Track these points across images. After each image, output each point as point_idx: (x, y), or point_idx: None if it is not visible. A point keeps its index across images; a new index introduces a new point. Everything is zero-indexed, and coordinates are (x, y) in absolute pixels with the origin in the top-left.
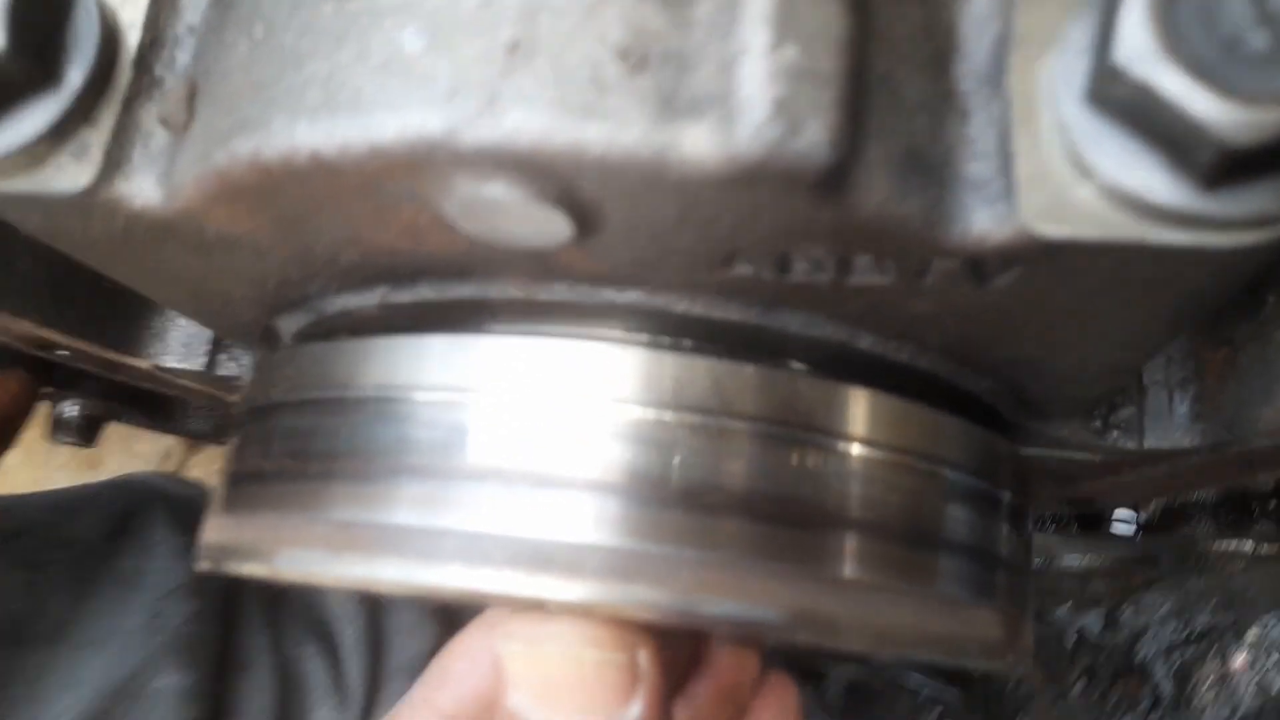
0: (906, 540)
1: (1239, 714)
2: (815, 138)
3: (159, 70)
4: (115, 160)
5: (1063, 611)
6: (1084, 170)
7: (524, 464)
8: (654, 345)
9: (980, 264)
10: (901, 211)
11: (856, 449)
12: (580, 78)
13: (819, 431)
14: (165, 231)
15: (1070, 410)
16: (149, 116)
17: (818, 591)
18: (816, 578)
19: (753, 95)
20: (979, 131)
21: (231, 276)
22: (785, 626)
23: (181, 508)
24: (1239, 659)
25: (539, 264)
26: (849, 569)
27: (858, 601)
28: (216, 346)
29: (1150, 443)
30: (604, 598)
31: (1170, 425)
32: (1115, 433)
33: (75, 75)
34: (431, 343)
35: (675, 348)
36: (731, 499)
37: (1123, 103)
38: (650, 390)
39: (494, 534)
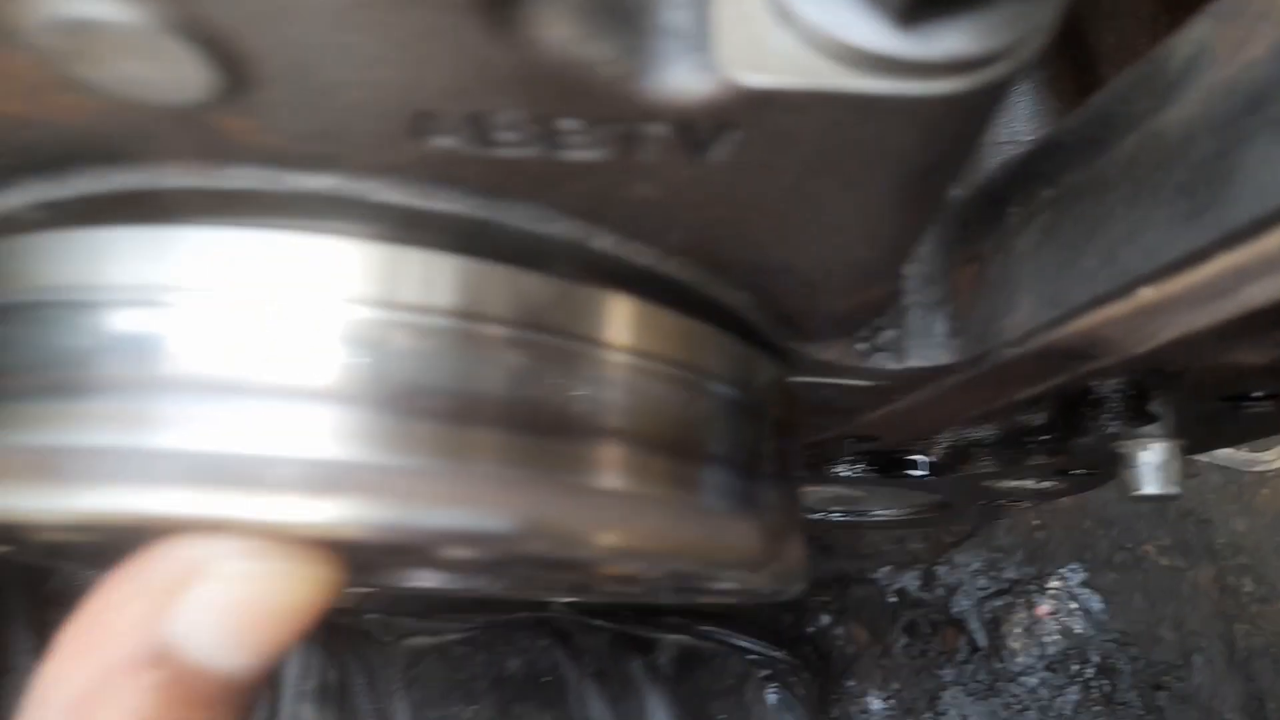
0: (662, 450)
1: (1046, 656)
2: None
3: None
4: None
5: (883, 572)
6: (784, 14)
7: (220, 371)
8: (376, 237)
9: (691, 128)
10: (588, 56)
11: (612, 356)
12: None
13: (572, 337)
14: None
15: (832, 330)
16: None
17: (557, 498)
18: (558, 484)
19: None
20: None
21: None
22: (518, 538)
23: None
24: (1043, 607)
25: (204, 138)
26: (598, 478)
27: (601, 509)
28: None
29: (912, 362)
30: (304, 515)
31: (930, 344)
32: (879, 354)
33: None
34: (118, 236)
35: (400, 241)
36: (463, 403)
37: None
38: (369, 286)
39: (177, 450)
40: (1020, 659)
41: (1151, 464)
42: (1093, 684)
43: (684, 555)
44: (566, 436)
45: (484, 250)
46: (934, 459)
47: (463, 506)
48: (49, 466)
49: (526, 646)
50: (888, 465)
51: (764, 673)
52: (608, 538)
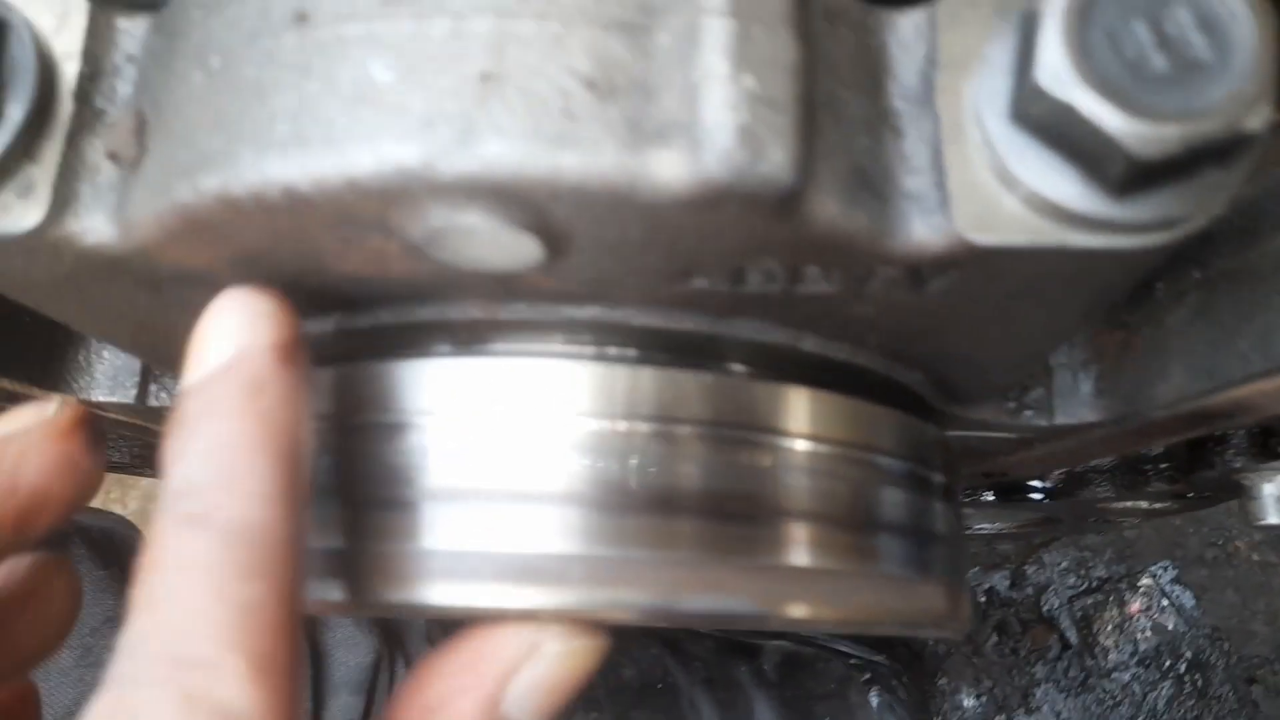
0: (852, 526)
1: (1138, 653)
2: (776, 161)
3: (99, 102)
4: (64, 197)
5: (972, 573)
6: (1009, 182)
7: (494, 482)
8: (605, 358)
9: (918, 270)
10: (850, 226)
11: (800, 445)
12: (552, 107)
13: (764, 430)
14: (116, 269)
15: (988, 394)
16: (95, 151)
17: (782, 582)
18: (777, 569)
19: (717, 122)
20: (913, 148)
21: (177, 310)
22: (758, 617)
23: (100, 539)
24: (1134, 604)
25: (502, 285)
26: (805, 557)
27: (820, 588)
28: (145, 377)
29: (1060, 419)
30: (592, 604)
31: (1076, 403)
32: (1028, 412)
33: (15, 110)
34: (390, 370)
35: (624, 359)
36: (689, 500)
37: (1042, 120)
38: (604, 402)
39: (478, 551)
40: (1112, 655)
41: (1275, 495)
42: (1185, 679)
43: (888, 622)
44: (774, 521)
45: (685, 359)
46: (1051, 484)
47: (714, 593)
48: (387, 567)
49: (638, 656)
50: (1008, 491)
51: (865, 676)
52: (800, 610)
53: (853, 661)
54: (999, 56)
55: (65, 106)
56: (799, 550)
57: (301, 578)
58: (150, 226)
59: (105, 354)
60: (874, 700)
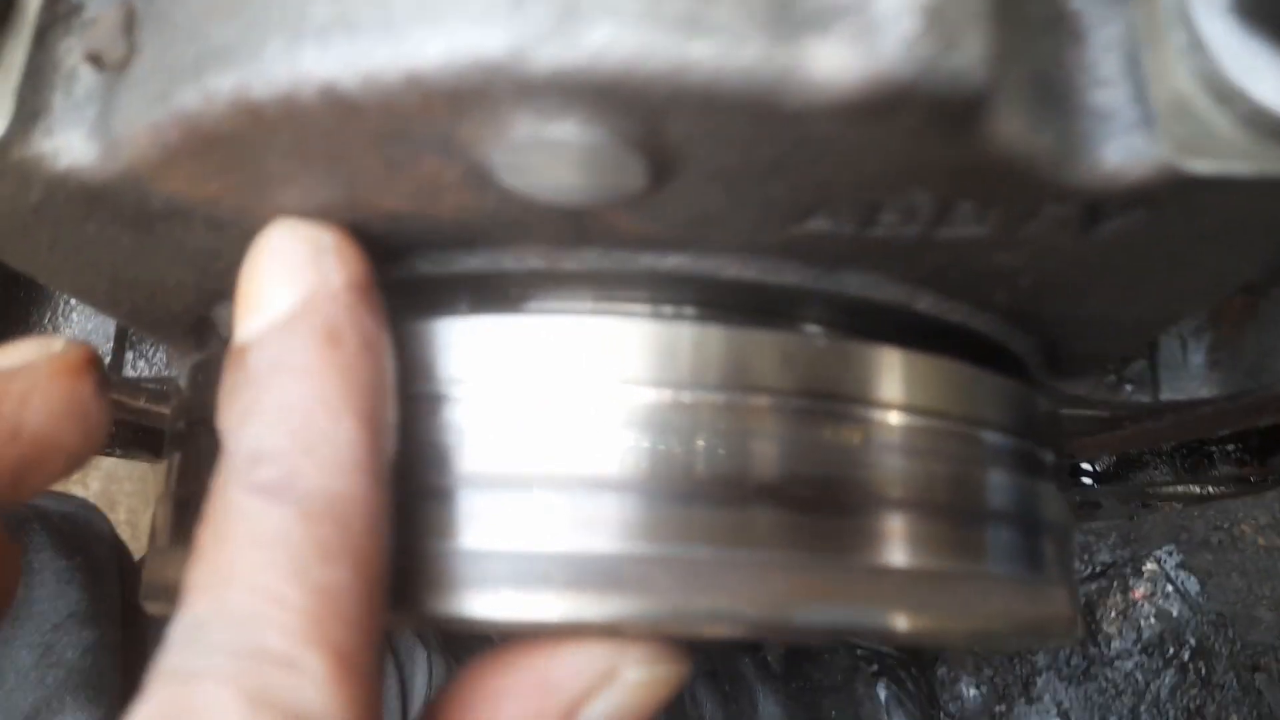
0: (945, 515)
1: (1142, 640)
2: (972, 55)
3: None
4: (31, 110)
5: None
6: (1226, 96)
7: (541, 465)
8: (666, 316)
9: (1097, 207)
10: (1033, 148)
11: (887, 416)
12: None
13: (854, 401)
14: (95, 200)
15: (1089, 366)
16: (70, 52)
17: (903, 588)
18: (896, 573)
19: (896, 3)
20: (1098, 55)
21: (169, 256)
22: (884, 632)
23: (61, 525)
24: (1139, 590)
25: (573, 226)
26: (919, 558)
27: (944, 594)
28: (121, 342)
29: (1166, 395)
30: (686, 616)
31: (1185, 376)
32: (1129, 387)
33: None
34: (424, 331)
35: (690, 318)
36: (781, 487)
37: None
38: (667, 368)
39: (545, 552)
40: (1116, 643)
41: None
42: (1189, 667)
43: (982, 634)
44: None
45: (762, 318)
46: (1104, 467)
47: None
48: (424, 568)
49: None
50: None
51: (873, 668)
52: (903, 622)
53: (859, 652)
54: None
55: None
56: (910, 549)
57: (388, 563)
58: (142, 144)
59: (73, 314)
60: (882, 693)
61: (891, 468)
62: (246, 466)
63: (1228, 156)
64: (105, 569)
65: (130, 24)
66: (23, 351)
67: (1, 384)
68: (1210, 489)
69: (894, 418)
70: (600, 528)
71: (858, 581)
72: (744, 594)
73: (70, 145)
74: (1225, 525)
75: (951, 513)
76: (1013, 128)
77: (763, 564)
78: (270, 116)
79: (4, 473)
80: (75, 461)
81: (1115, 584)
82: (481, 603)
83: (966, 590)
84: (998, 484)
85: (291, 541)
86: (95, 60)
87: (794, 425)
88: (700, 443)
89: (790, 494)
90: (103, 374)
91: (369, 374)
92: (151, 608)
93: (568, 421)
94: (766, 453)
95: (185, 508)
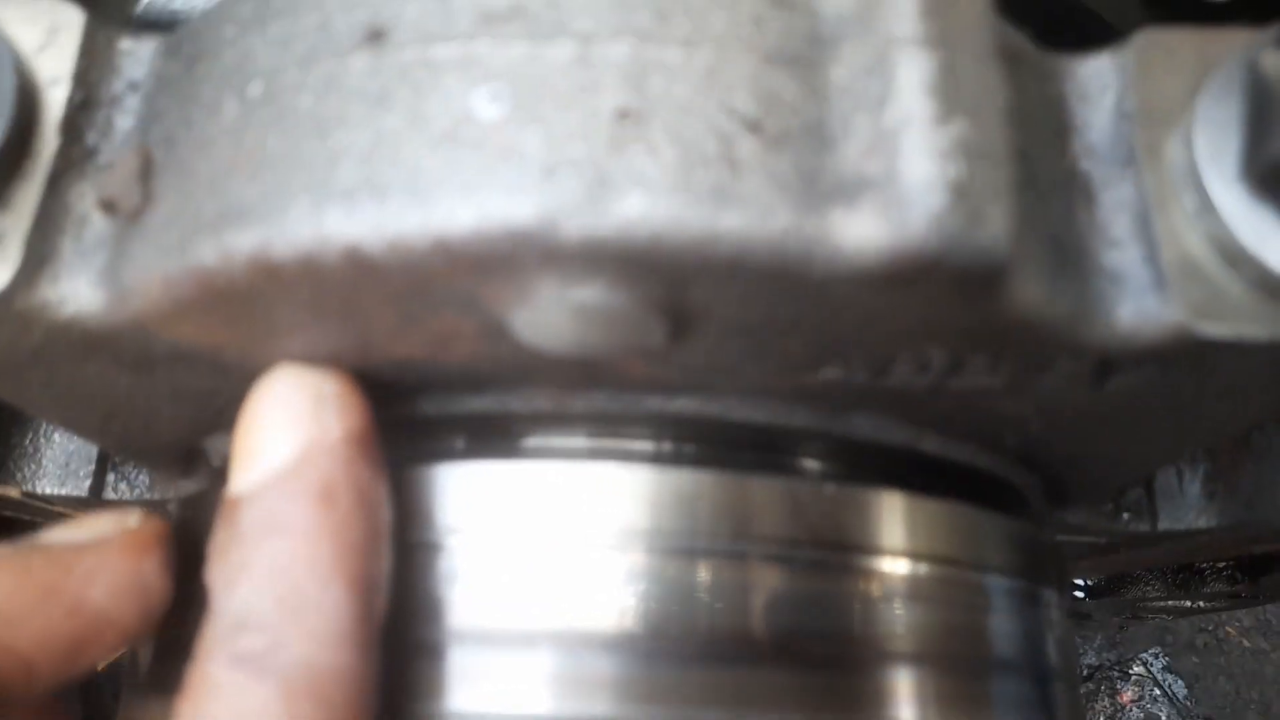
0: (951, 668)
1: None
2: (997, 228)
3: (92, 138)
4: (39, 255)
5: None
6: (1236, 259)
7: (551, 623)
8: (668, 459)
9: (1111, 364)
10: (1052, 311)
11: (891, 565)
12: (707, 154)
13: (862, 550)
14: (97, 345)
15: (1088, 497)
16: (83, 198)
17: None
18: None
19: (924, 177)
20: (1109, 216)
21: (167, 394)
22: None
23: None
24: (1126, 693)
25: (585, 372)
26: (920, 714)
27: None
28: (103, 466)
29: (1164, 525)
30: None
31: (1183, 506)
32: (1127, 515)
33: None
34: (421, 477)
35: (692, 461)
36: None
37: None
38: (665, 517)
39: (540, 716)
40: None
41: None
42: None
43: None
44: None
45: (765, 462)
46: (1094, 582)
47: None
48: None
49: None
50: None
51: None
52: None
53: None
54: (1218, 110)
55: (48, 142)
56: (920, 707)
57: None
58: (152, 294)
59: (56, 437)
60: None
61: (900, 620)
62: (230, 633)
63: (1239, 320)
64: None
65: (147, 172)
66: (97, 526)
67: (71, 559)
68: (1204, 604)
69: (901, 566)
70: (598, 690)
71: None
72: None
73: (77, 293)
74: (1210, 628)
75: (959, 665)
76: (1031, 293)
77: None
78: (289, 275)
79: (60, 648)
80: (131, 637)
81: (1103, 688)
82: None
83: None
84: (1004, 631)
85: None
86: (109, 207)
87: (801, 577)
88: (702, 596)
89: (797, 651)
90: (169, 550)
91: (362, 531)
92: None
93: (563, 575)
94: (772, 607)
95: (166, 653)
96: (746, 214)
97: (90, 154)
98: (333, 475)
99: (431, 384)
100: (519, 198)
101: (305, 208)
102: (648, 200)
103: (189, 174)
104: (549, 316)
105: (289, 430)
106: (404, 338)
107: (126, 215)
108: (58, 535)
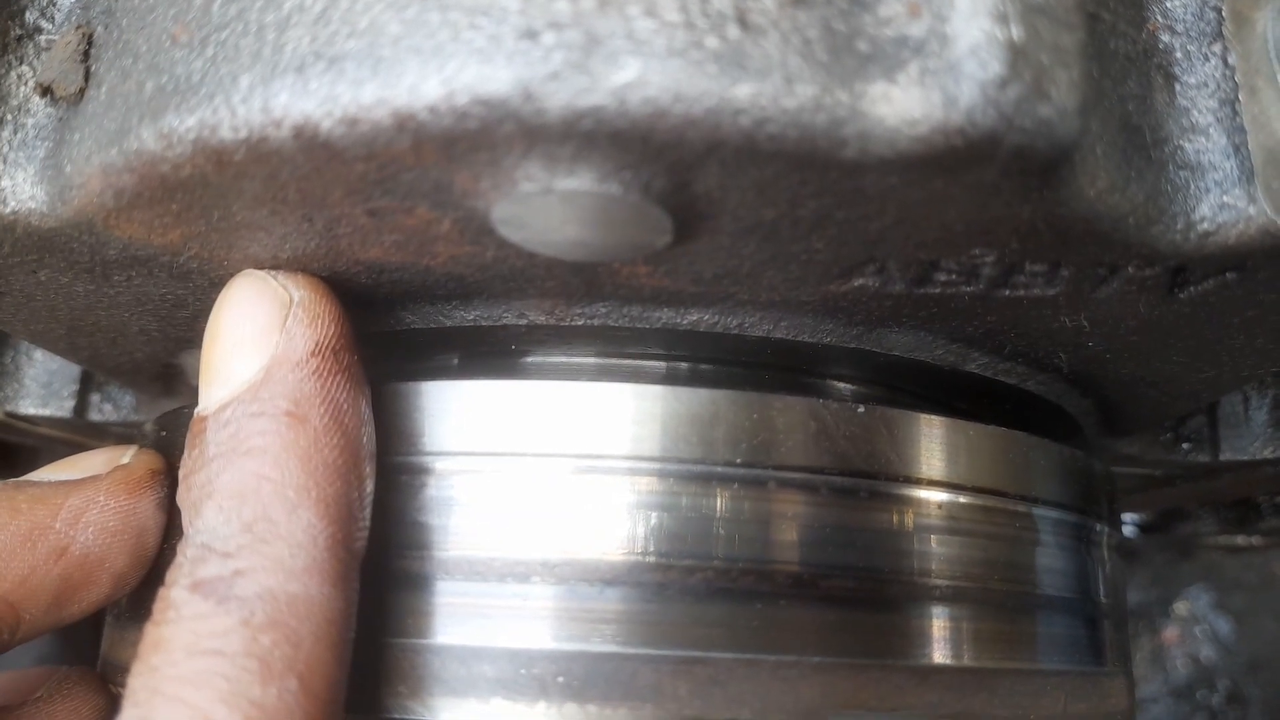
0: (995, 607)
1: (1171, 683)
2: (1064, 102)
3: (31, 15)
4: None
5: None
6: None
7: (553, 553)
8: (682, 379)
9: (1186, 270)
10: (1122, 206)
11: (944, 496)
12: (718, 12)
13: (898, 479)
14: (46, 246)
15: (1145, 425)
16: (21, 81)
17: (938, 692)
18: (931, 673)
19: (977, 39)
20: (1190, 99)
21: (130, 305)
22: None
23: None
24: (1169, 632)
25: (584, 280)
26: (962, 655)
27: (985, 696)
28: (86, 385)
29: (1227, 455)
30: None
31: (1247, 435)
32: (1187, 446)
33: None
34: (407, 394)
35: (709, 380)
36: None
37: None
38: (681, 441)
39: (540, 651)
40: (1145, 687)
41: None
42: (1220, 712)
43: None
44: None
45: (790, 382)
46: (1145, 518)
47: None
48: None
49: None
50: None
51: None
52: None
53: None
54: None
55: None
56: (958, 647)
57: (345, 671)
58: (97, 187)
59: (37, 355)
60: None
61: (938, 555)
62: (192, 561)
63: None
64: None
65: (88, 51)
66: (89, 463)
67: (58, 498)
68: (1258, 540)
69: (940, 495)
70: (602, 626)
71: (902, 686)
72: (772, 703)
73: (17, 187)
74: (1258, 564)
75: (1002, 603)
76: (1099, 184)
77: (793, 668)
78: (238, 161)
79: (46, 591)
80: (122, 584)
81: (1145, 625)
82: (462, 712)
83: (1019, 690)
84: (1052, 567)
85: (230, 653)
86: (47, 92)
87: (826, 507)
88: (717, 527)
89: (825, 587)
90: (167, 489)
91: (337, 452)
92: (113, 690)
93: (565, 502)
94: (797, 540)
95: (150, 578)
96: (764, 84)
97: (32, 32)
98: (302, 391)
99: (416, 294)
100: (493, 65)
101: (252, 83)
102: (646, 67)
103: (132, 51)
104: (534, 211)
105: (254, 344)
106: (375, 238)
107: (67, 100)
108: (46, 473)
